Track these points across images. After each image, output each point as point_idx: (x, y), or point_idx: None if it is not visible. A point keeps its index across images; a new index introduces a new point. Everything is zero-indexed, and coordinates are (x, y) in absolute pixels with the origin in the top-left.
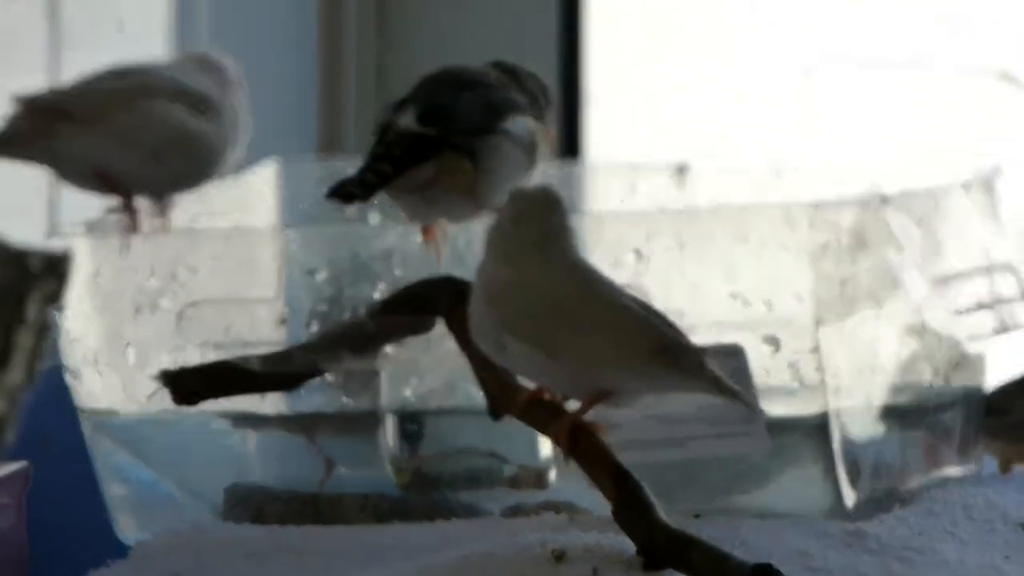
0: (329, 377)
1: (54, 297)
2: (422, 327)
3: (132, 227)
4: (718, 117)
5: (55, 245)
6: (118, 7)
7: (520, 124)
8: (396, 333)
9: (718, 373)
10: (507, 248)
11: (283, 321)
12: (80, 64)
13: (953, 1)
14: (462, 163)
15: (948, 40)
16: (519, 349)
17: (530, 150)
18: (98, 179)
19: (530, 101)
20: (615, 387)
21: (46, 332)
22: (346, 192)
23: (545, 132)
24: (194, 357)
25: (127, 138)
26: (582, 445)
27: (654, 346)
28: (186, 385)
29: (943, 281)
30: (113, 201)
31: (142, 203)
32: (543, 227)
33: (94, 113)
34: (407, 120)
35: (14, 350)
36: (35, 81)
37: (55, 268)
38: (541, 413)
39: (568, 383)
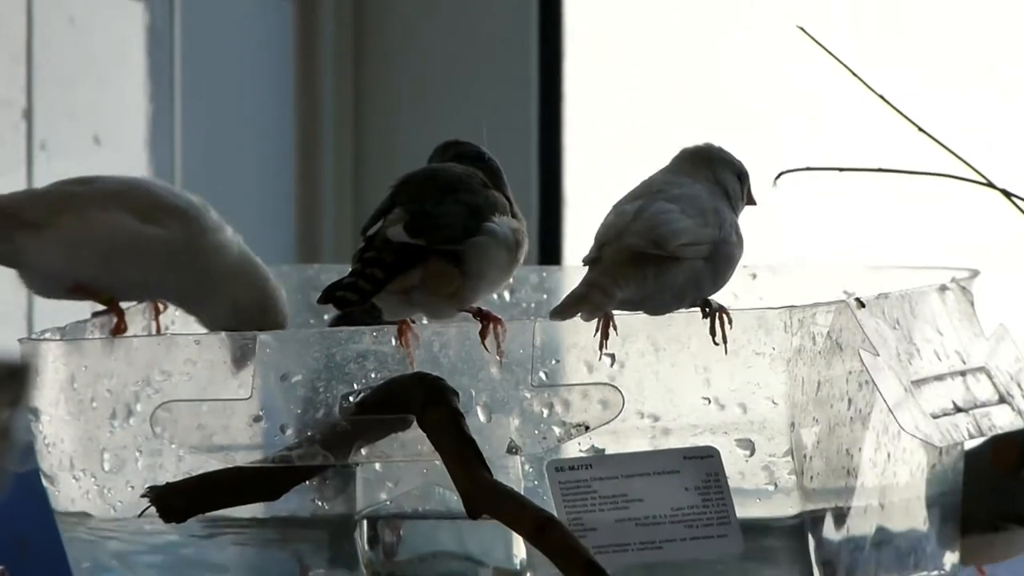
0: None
1: (16, 403)
2: (398, 426)
3: (117, 329)
4: None
5: (29, 350)
6: (94, 118)
7: (503, 224)
8: (371, 432)
9: None
10: None
11: (257, 419)
12: (57, 173)
13: (931, 107)
14: (448, 269)
15: (925, 145)
16: None
17: (513, 248)
18: (75, 290)
19: (498, 187)
20: None
21: (10, 437)
22: (341, 298)
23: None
24: (170, 460)
25: (77, 243)
26: (554, 541)
27: None
28: (173, 503)
29: (918, 384)
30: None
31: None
32: None
33: (44, 217)
34: (396, 228)
35: None
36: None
37: (17, 375)
38: (510, 508)
39: None
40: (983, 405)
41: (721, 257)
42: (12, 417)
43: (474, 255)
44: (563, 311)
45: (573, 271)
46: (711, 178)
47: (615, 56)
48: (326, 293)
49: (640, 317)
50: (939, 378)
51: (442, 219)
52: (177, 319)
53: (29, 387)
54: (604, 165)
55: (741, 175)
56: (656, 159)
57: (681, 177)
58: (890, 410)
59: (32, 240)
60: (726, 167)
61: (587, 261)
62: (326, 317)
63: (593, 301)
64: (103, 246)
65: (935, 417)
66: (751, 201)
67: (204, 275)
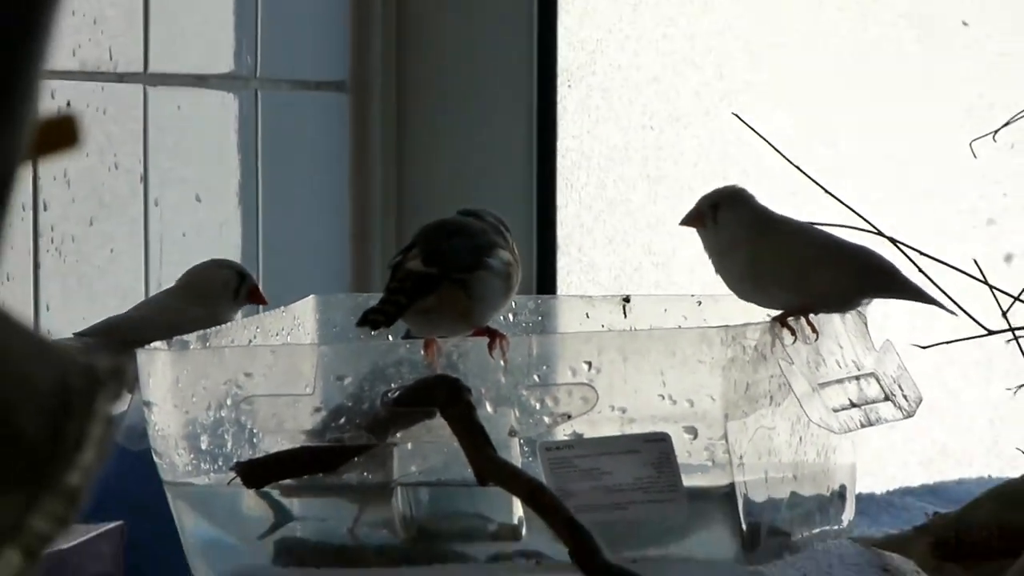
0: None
1: (117, 395)
2: (425, 416)
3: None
4: (659, 257)
5: (144, 358)
6: (196, 182)
7: (498, 259)
8: (405, 420)
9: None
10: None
11: (317, 410)
12: (167, 225)
13: None
14: (458, 294)
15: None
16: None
17: (506, 278)
18: None
19: (499, 235)
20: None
21: (111, 423)
22: (371, 320)
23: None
24: (251, 441)
25: None
26: (544, 503)
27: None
28: (254, 473)
29: (823, 385)
30: None
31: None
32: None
33: None
34: (415, 262)
35: (87, 437)
36: (129, 236)
37: (117, 373)
38: (510, 478)
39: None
40: (872, 402)
41: None
42: (113, 408)
43: (477, 283)
44: None
45: (564, 300)
46: None
47: (604, 126)
48: (361, 318)
49: (612, 333)
50: (839, 381)
51: (452, 254)
52: (259, 331)
53: (127, 384)
54: (590, 218)
55: None
56: (638, 214)
57: None
58: (801, 405)
59: None
60: None
61: None
62: (373, 333)
63: None
64: None
65: (835, 411)
66: None
67: None
